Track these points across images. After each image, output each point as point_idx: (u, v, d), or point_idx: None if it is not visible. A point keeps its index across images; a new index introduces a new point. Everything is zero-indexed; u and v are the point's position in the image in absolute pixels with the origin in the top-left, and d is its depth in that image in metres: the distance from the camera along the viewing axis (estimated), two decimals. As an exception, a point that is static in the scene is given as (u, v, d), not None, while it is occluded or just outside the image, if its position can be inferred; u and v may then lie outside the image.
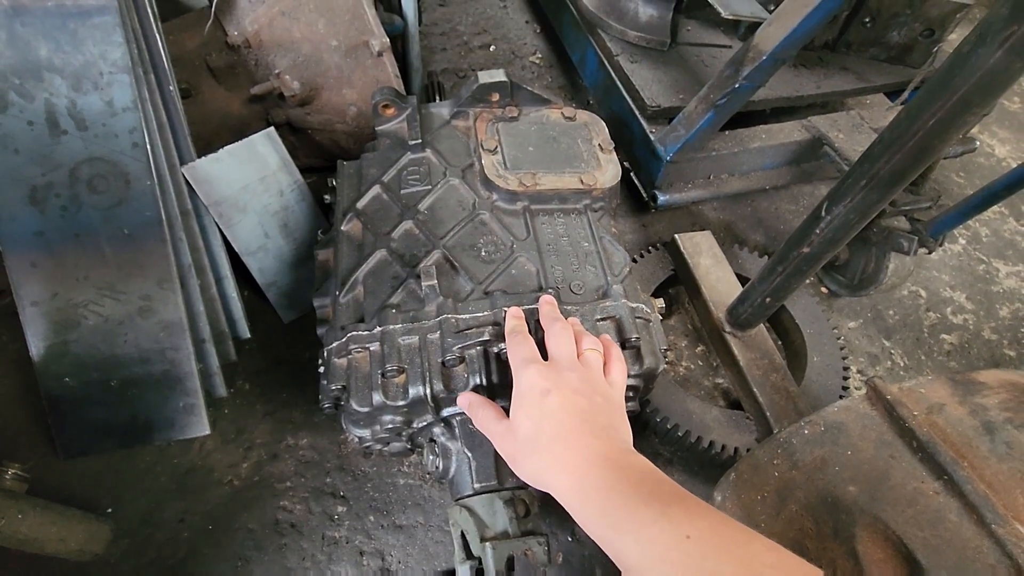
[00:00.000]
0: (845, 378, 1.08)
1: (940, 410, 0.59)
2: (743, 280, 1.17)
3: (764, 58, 0.97)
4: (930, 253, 1.14)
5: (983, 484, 0.51)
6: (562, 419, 0.55)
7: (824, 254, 0.83)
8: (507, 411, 0.62)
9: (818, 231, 0.79)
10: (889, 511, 0.53)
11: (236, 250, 1.03)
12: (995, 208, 1.51)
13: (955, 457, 0.53)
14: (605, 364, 0.64)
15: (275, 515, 0.94)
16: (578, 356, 0.62)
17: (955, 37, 1.32)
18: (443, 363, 0.70)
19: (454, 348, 0.70)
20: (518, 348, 0.63)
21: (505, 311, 0.72)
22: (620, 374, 0.64)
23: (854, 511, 0.55)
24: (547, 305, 0.70)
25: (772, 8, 1.11)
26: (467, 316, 0.73)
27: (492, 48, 1.76)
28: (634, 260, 1.20)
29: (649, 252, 1.23)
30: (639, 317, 0.79)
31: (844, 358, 1.11)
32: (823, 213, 0.77)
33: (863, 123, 1.25)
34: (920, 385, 0.64)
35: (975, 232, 1.50)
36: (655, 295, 1.13)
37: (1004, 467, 0.52)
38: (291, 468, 0.99)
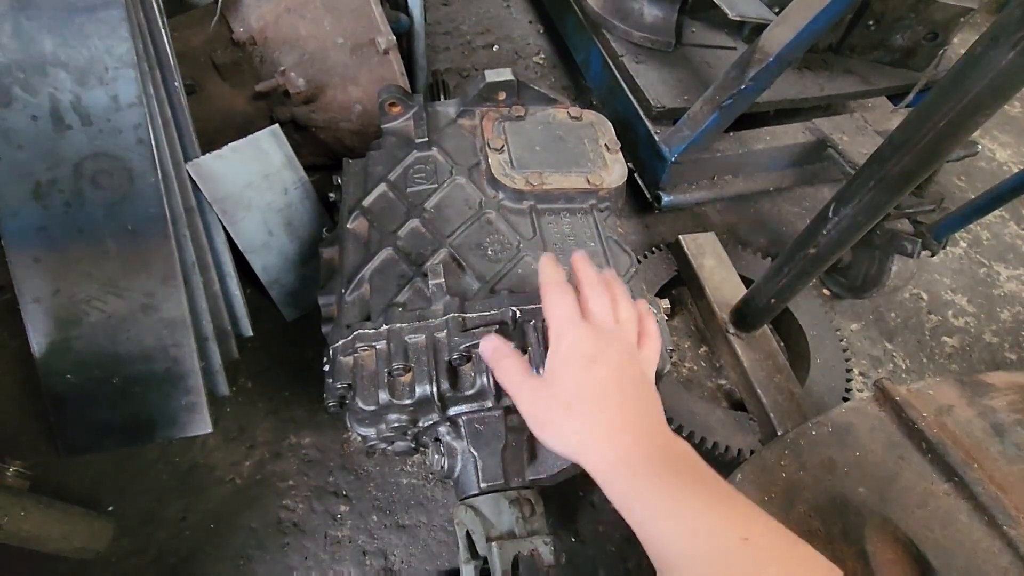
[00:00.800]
0: (848, 380, 1.09)
1: (949, 412, 0.59)
2: (746, 282, 1.17)
3: (770, 60, 0.97)
4: (933, 256, 1.14)
5: (994, 486, 0.51)
6: (608, 390, 0.51)
7: (830, 255, 0.83)
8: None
9: (825, 232, 0.79)
10: (899, 512, 0.53)
11: (239, 248, 1.02)
12: (996, 212, 1.51)
13: (965, 459, 0.53)
14: (639, 336, 0.59)
15: (277, 514, 0.94)
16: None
17: (957, 41, 1.33)
18: (450, 362, 0.70)
19: (461, 347, 0.70)
20: (558, 302, 0.56)
21: (512, 309, 0.71)
22: (653, 351, 0.59)
23: (863, 512, 0.55)
24: (581, 260, 0.62)
25: (777, 10, 1.12)
26: (474, 315, 0.72)
27: (495, 48, 1.76)
28: (638, 261, 1.20)
29: (652, 253, 1.23)
30: (645, 317, 0.78)
31: (847, 360, 1.11)
32: (830, 214, 0.77)
33: (867, 126, 1.25)
34: (928, 387, 0.64)
35: (976, 235, 1.50)
36: (658, 296, 1.12)
37: (1015, 469, 0.52)
38: (294, 467, 0.98)
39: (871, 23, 1.31)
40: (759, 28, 1.16)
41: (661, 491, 0.45)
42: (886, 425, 0.61)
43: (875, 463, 0.59)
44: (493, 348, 0.59)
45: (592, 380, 0.51)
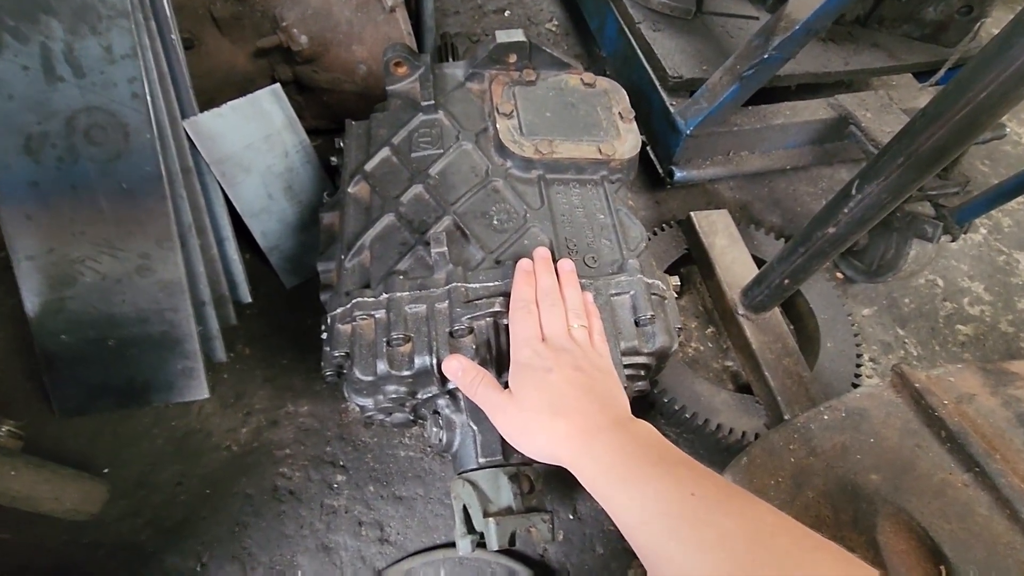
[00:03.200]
0: (858, 365, 1.06)
1: (971, 400, 0.57)
2: (758, 262, 1.14)
3: (797, 28, 0.92)
4: (954, 241, 1.11)
5: (1017, 478, 0.48)
6: (567, 392, 0.57)
7: (850, 235, 0.79)
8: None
9: (847, 210, 0.76)
10: (914, 502, 0.51)
11: (238, 211, 1.00)
12: (1019, 198, 1.47)
13: (987, 449, 0.51)
14: (590, 334, 0.65)
15: (274, 482, 0.93)
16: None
17: (991, 20, 1.26)
18: (451, 333, 0.68)
19: (463, 318, 0.67)
20: (520, 322, 0.64)
21: (517, 281, 0.68)
22: (603, 342, 0.66)
23: (876, 500, 0.53)
24: (540, 262, 0.70)
25: (806, -24, 1.06)
26: (477, 286, 0.70)
27: (507, 13, 1.70)
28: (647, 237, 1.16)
29: (663, 230, 1.20)
30: (654, 294, 0.76)
31: (858, 345, 1.08)
32: (854, 191, 0.73)
33: (892, 103, 1.20)
34: (949, 373, 0.61)
35: (997, 222, 1.46)
36: (667, 273, 1.09)
37: (1039, 461, 0.50)
38: (290, 435, 0.97)
39: (903, -6, 1.25)
40: (784, -4, 1.10)
41: (624, 464, 0.49)
42: (903, 411, 0.59)
43: (890, 450, 0.56)
44: (462, 368, 0.63)
45: (552, 386, 0.57)
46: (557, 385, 0.57)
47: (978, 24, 1.19)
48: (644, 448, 0.50)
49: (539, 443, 0.56)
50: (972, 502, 0.49)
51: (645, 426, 0.55)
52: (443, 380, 0.69)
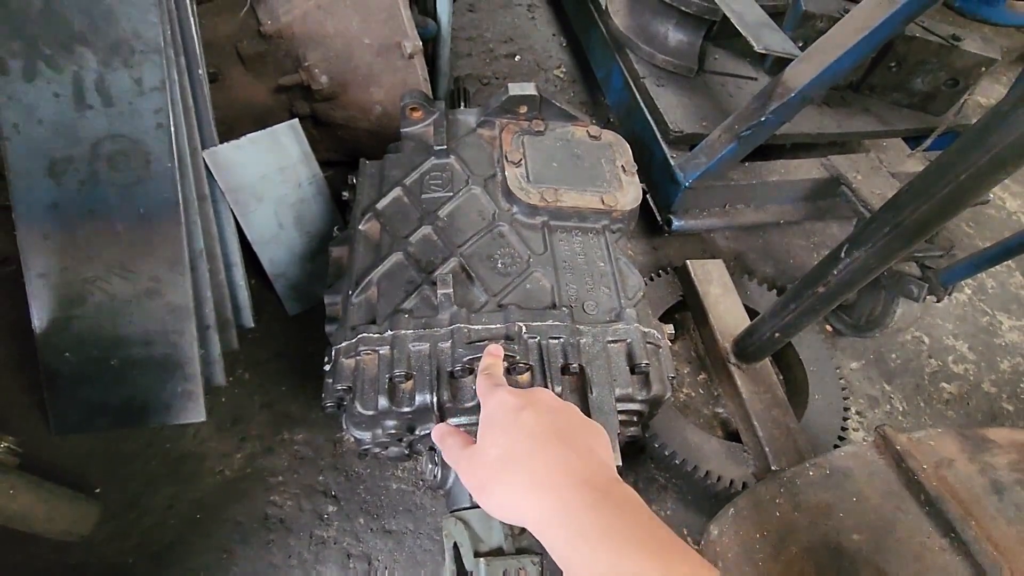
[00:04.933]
0: (845, 419, 1.08)
1: (949, 465, 0.59)
2: (750, 312, 1.17)
3: (793, 95, 0.97)
4: (939, 302, 1.14)
5: (991, 546, 0.50)
6: (539, 435, 0.47)
7: (839, 295, 0.83)
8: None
9: (835, 272, 0.79)
10: (894, 564, 0.53)
11: (248, 239, 1.02)
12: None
13: (964, 515, 0.53)
14: None
15: (265, 509, 0.93)
16: None
17: (977, 90, 1.33)
18: (451, 373, 0.70)
19: (464, 359, 0.70)
20: (486, 379, 0.58)
21: (519, 325, 0.71)
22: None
23: (858, 561, 0.55)
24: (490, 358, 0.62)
25: (802, 45, 1.12)
26: (479, 327, 0.72)
27: (517, 58, 1.77)
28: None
29: (659, 276, 1.23)
30: (650, 342, 0.78)
31: (845, 398, 1.11)
32: (843, 255, 0.77)
33: (881, 166, 1.25)
34: (929, 437, 0.64)
35: (981, 283, 1.51)
36: (661, 320, 1.12)
37: (1012, 530, 0.52)
38: (284, 463, 0.98)
39: (893, 64, 1.32)
40: (782, 60, 1.16)
41: (610, 546, 0.40)
42: (885, 473, 0.61)
43: (872, 511, 0.58)
44: (440, 432, 0.57)
45: (522, 426, 0.48)
46: (527, 425, 0.48)
47: (964, 96, 1.26)
48: (632, 526, 0.41)
49: (498, 499, 0.46)
50: (949, 568, 0.51)
51: (630, 492, 0.44)
52: (442, 418, 0.71)
